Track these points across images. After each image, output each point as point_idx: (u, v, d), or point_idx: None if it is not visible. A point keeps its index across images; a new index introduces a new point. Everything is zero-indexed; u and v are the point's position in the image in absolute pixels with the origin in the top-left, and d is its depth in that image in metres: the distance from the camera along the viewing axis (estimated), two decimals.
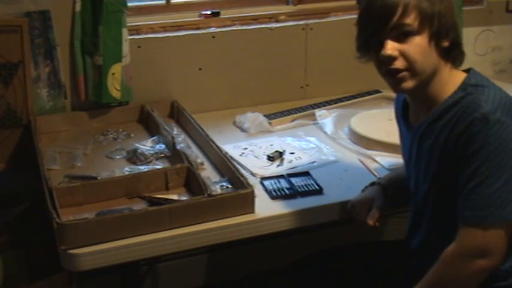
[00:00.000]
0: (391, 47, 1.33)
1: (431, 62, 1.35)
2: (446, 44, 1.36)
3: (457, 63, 1.42)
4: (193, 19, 2.24)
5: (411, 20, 1.32)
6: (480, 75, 1.41)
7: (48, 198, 1.51)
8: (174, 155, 1.80)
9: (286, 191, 1.66)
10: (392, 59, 1.34)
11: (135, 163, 1.81)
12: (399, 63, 1.34)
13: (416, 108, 1.47)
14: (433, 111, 1.39)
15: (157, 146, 1.88)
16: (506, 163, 1.28)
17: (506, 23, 2.60)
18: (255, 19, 2.31)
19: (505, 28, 2.60)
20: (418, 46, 1.33)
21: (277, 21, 2.33)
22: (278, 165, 1.82)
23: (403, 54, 1.33)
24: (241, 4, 2.34)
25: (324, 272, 1.70)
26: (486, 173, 1.28)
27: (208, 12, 2.25)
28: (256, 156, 1.88)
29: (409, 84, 1.36)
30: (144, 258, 1.57)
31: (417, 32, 1.32)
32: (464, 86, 1.37)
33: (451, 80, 1.39)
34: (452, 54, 1.39)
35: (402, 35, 1.33)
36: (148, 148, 1.87)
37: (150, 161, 1.82)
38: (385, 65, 1.36)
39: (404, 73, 1.35)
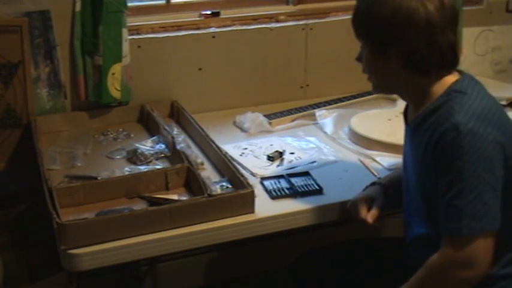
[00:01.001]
0: (358, 52, 1.45)
1: (381, 72, 1.42)
2: (393, 52, 1.35)
3: (424, 68, 1.37)
4: (193, 19, 2.24)
5: (358, 34, 1.41)
6: (470, 80, 1.40)
7: (48, 198, 1.51)
8: (174, 155, 1.80)
9: (286, 191, 1.66)
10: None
11: (135, 163, 1.81)
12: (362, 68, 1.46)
13: (410, 107, 1.50)
14: (419, 113, 1.40)
15: (157, 146, 1.88)
16: (479, 174, 1.27)
17: (506, 23, 2.60)
18: (255, 19, 2.31)
19: (505, 28, 2.60)
20: (366, 56, 1.42)
21: (277, 21, 2.32)
22: (278, 165, 1.82)
23: None
24: (241, 4, 2.33)
25: (327, 267, 1.72)
26: (461, 185, 1.28)
27: (208, 12, 2.25)
28: (256, 156, 1.88)
29: (372, 89, 1.51)
30: (144, 258, 1.58)
31: (364, 45, 1.41)
32: (449, 90, 1.37)
33: (438, 86, 1.38)
34: (412, 61, 1.35)
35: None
36: (148, 148, 1.87)
37: (150, 161, 1.82)
38: None
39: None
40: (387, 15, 1.32)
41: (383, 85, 1.47)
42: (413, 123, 1.43)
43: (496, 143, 1.29)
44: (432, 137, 1.33)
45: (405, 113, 1.54)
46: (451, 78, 1.39)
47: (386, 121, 2.03)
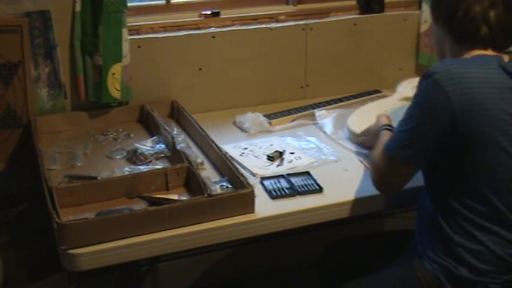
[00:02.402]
0: None
1: (436, 39, 1.56)
2: (440, 16, 1.51)
3: (466, 40, 1.48)
4: (193, 19, 2.24)
5: None
6: (500, 60, 1.43)
7: (48, 198, 1.51)
8: (174, 155, 1.80)
9: (286, 191, 1.66)
10: None
11: (135, 163, 1.81)
12: None
13: None
14: None
15: (157, 146, 1.88)
16: (415, 116, 1.42)
17: None
18: (255, 19, 2.31)
19: None
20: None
21: (277, 21, 2.32)
22: (278, 165, 1.82)
23: None
24: (241, 4, 2.34)
25: (354, 258, 1.77)
26: (405, 116, 1.45)
27: (208, 12, 2.25)
28: (256, 156, 1.88)
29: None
30: (144, 258, 1.57)
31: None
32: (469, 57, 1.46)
33: (469, 52, 1.47)
34: (451, 25, 1.49)
35: None
36: (148, 148, 1.87)
37: (150, 161, 1.82)
38: None
39: None
40: None
41: (438, 53, 1.58)
42: None
43: (450, 101, 1.36)
44: None
45: None
46: (485, 52, 1.46)
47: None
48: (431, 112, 1.39)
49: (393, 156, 1.46)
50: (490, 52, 1.46)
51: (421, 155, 1.44)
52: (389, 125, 1.70)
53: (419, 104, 1.42)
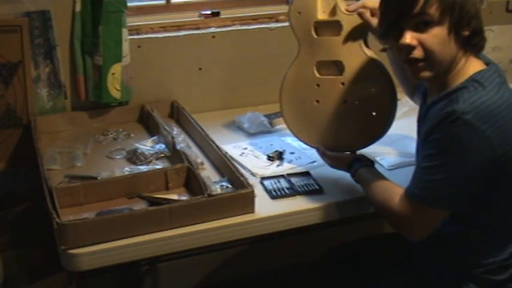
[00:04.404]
0: (410, 36, 1.34)
1: (449, 52, 1.36)
2: (466, 33, 1.37)
3: (478, 50, 1.42)
4: (193, 19, 2.25)
5: (433, 10, 1.32)
6: (494, 72, 1.40)
7: (48, 198, 1.51)
8: (174, 155, 1.80)
9: (286, 191, 1.66)
10: (411, 48, 1.35)
11: (135, 163, 1.81)
12: (417, 53, 1.36)
13: (430, 89, 1.50)
14: (440, 96, 1.40)
15: (157, 146, 1.88)
16: (452, 163, 1.32)
17: (506, 23, 2.60)
18: (255, 19, 2.31)
19: (505, 28, 2.59)
20: (437, 36, 1.34)
21: (277, 21, 2.32)
22: (278, 165, 1.82)
23: (421, 44, 1.35)
24: (241, 4, 2.34)
25: (355, 261, 1.75)
26: (437, 163, 1.34)
27: (208, 12, 2.25)
28: (256, 156, 1.88)
29: (427, 73, 1.38)
30: (144, 258, 1.57)
31: (437, 22, 1.33)
32: (470, 78, 1.37)
33: (466, 69, 1.39)
34: (473, 42, 1.39)
35: (422, 25, 1.34)
36: (148, 148, 1.87)
37: (150, 161, 1.82)
38: (404, 54, 1.38)
39: (421, 63, 1.37)
40: None
41: (442, 66, 1.39)
42: (430, 104, 1.44)
43: (487, 140, 1.29)
44: (434, 121, 1.35)
45: (423, 94, 1.56)
46: (476, 66, 1.40)
47: None
48: (471, 157, 1.30)
49: (436, 206, 1.37)
50: (478, 63, 1.41)
51: (463, 198, 1.38)
52: (366, 159, 1.63)
53: (453, 150, 1.32)
